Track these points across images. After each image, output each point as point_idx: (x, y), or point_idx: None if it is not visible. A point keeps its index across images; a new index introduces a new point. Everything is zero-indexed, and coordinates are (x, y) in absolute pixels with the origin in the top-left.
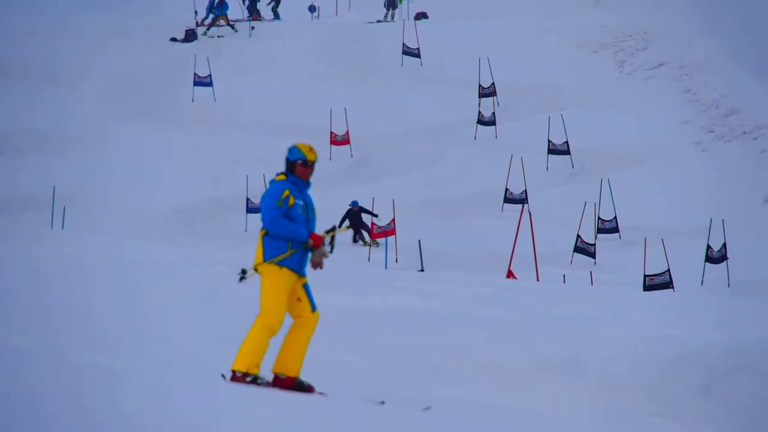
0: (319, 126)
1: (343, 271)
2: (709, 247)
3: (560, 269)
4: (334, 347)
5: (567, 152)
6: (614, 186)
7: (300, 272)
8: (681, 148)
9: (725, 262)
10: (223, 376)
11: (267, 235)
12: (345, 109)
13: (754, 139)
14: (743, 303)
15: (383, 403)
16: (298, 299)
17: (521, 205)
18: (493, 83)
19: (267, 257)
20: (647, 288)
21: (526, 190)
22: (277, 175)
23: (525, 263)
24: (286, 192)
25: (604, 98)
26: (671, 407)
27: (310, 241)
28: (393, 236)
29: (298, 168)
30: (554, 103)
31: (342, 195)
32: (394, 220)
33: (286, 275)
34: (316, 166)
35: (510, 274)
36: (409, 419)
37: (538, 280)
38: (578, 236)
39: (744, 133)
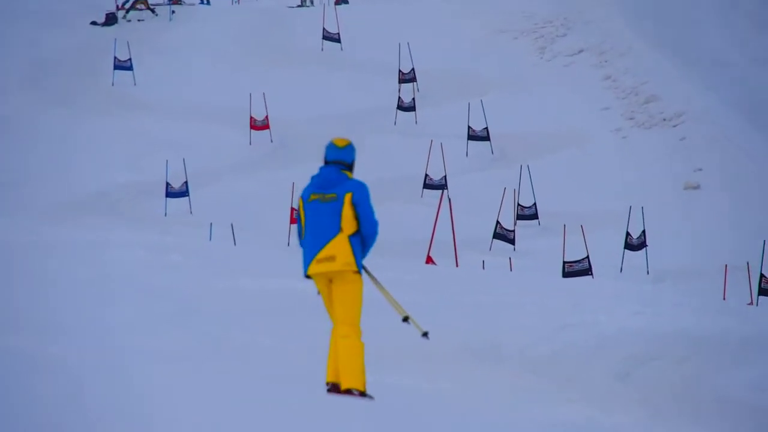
0: (238, 110)
1: (264, 255)
2: (628, 234)
3: (479, 255)
4: (254, 330)
5: (487, 138)
6: (534, 172)
7: None
8: (601, 134)
9: (644, 249)
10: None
11: (353, 237)
12: (264, 94)
13: (674, 126)
14: (662, 290)
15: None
16: None
17: (441, 191)
18: (413, 69)
19: (359, 264)
20: (566, 274)
21: (445, 176)
22: (344, 169)
23: (444, 249)
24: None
25: (524, 84)
26: (589, 393)
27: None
28: None
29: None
30: (474, 89)
31: (261, 180)
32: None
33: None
34: (236, 151)
35: (429, 260)
36: (325, 403)
37: (457, 266)
38: (498, 222)
39: (664, 120)
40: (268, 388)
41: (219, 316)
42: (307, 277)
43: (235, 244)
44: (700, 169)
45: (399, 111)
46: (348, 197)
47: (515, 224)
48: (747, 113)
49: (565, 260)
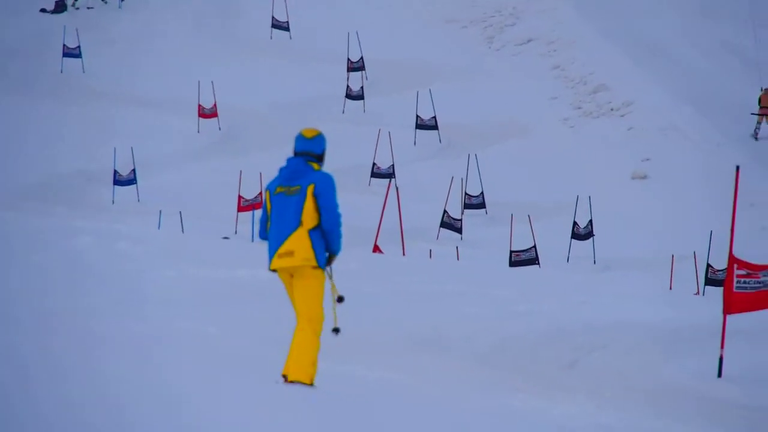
0: (186, 98)
1: (208, 244)
2: (575, 223)
3: (427, 244)
4: (201, 318)
5: (435, 127)
6: (481, 162)
7: None
8: (548, 124)
9: (591, 238)
10: (276, 382)
11: (314, 231)
12: (212, 82)
13: (622, 116)
14: (609, 279)
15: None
16: None
17: (388, 179)
18: (361, 57)
19: (320, 259)
20: (513, 264)
21: (393, 165)
22: (311, 160)
23: (391, 238)
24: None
25: (472, 74)
26: (536, 382)
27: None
28: (260, 209)
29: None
30: (423, 78)
31: (209, 168)
32: (261, 193)
33: (324, 279)
34: (185, 139)
35: (376, 249)
36: (271, 392)
37: (404, 255)
38: (445, 211)
39: (612, 110)
40: (212, 375)
41: (165, 304)
42: (272, 270)
43: (183, 232)
44: (648, 159)
45: (347, 100)
46: (310, 189)
47: (462, 213)
48: (695, 103)
49: (512, 249)
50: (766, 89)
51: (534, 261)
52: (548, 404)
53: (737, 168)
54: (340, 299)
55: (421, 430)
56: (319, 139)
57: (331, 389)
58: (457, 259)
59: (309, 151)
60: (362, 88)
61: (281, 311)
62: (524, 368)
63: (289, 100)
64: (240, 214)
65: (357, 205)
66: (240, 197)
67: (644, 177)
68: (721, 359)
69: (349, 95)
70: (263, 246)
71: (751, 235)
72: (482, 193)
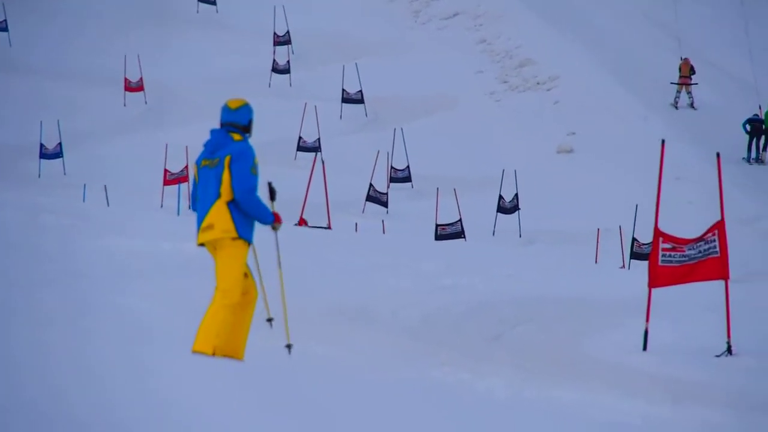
0: (113, 72)
1: (136, 216)
2: (501, 197)
3: (352, 218)
4: (125, 291)
5: (361, 101)
6: (407, 135)
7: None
8: (475, 98)
9: (517, 212)
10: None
11: (234, 202)
12: (138, 56)
13: (548, 90)
14: (534, 253)
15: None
16: (245, 275)
17: (314, 153)
18: (288, 31)
19: (241, 230)
20: (439, 237)
21: (319, 139)
22: (234, 131)
23: (317, 211)
24: (256, 159)
25: (398, 48)
26: (461, 356)
27: (277, 225)
28: (186, 183)
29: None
30: (349, 52)
31: (135, 142)
32: (187, 167)
33: (246, 250)
34: (111, 113)
35: (302, 222)
36: (196, 365)
37: (330, 228)
38: (371, 185)
39: (537, 83)
40: (138, 350)
41: (91, 277)
42: (200, 246)
43: (108, 205)
44: (574, 133)
45: (273, 73)
46: (227, 160)
47: (388, 187)
48: (620, 77)
49: (437, 223)
50: (685, 59)
51: (460, 235)
52: (473, 377)
53: (662, 141)
54: (270, 320)
55: (346, 402)
56: (244, 109)
57: (257, 362)
58: (383, 232)
59: (233, 122)
60: (288, 62)
61: (205, 284)
62: (450, 341)
63: (215, 74)
64: (166, 187)
65: (282, 179)
66: (166, 171)
67: (570, 151)
68: (646, 332)
69: (276, 69)
70: (189, 219)
71: (677, 209)
72: (408, 166)
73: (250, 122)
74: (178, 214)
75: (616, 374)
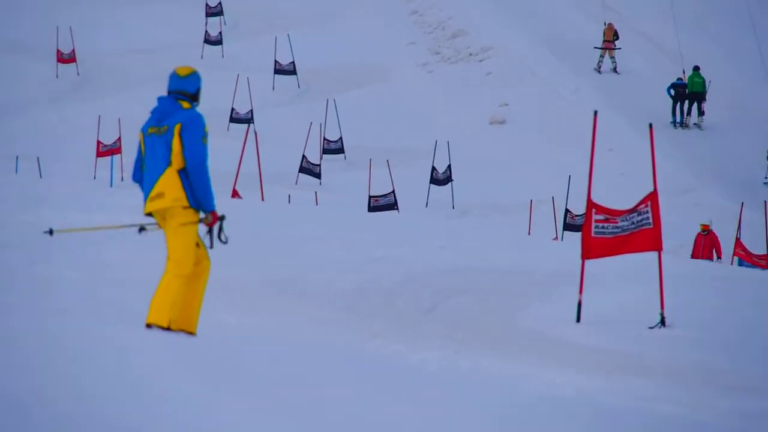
0: (45, 43)
1: (69, 188)
2: (434, 168)
3: (285, 189)
4: (56, 263)
5: (293, 72)
6: (340, 107)
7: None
8: (407, 69)
9: (450, 183)
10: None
11: (183, 172)
12: (70, 27)
13: (480, 61)
14: (467, 224)
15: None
16: (197, 244)
17: (247, 124)
18: (220, 2)
19: (191, 199)
20: (372, 209)
21: (252, 110)
22: (182, 99)
23: (250, 183)
24: (207, 128)
25: (330, 19)
26: (395, 327)
27: (208, 218)
28: (119, 155)
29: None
30: (281, 23)
31: (68, 113)
32: (120, 139)
33: (197, 219)
34: (43, 85)
35: (235, 194)
36: (132, 336)
37: (263, 200)
38: (303, 156)
39: (470, 54)
40: (71, 322)
41: (24, 249)
42: (147, 215)
43: (41, 176)
44: (506, 104)
45: (206, 45)
46: (177, 128)
47: (321, 158)
48: (552, 48)
49: (370, 195)
50: (609, 24)
51: (393, 206)
52: (406, 348)
53: (595, 113)
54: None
55: (277, 373)
56: (192, 77)
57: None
58: (316, 204)
59: (181, 90)
60: (221, 33)
61: (139, 254)
62: (383, 312)
63: (147, 45)
64: (99, 159)
65: (215, 150)
66: (99, 142)
67: (502, 122)
68: (579, 304)
69: (208, 40)
70: (122, 191)
71: (610, 181)
72: (341, 138)
73: (198, 90)
74: (111, 185)
75: (549, 346)
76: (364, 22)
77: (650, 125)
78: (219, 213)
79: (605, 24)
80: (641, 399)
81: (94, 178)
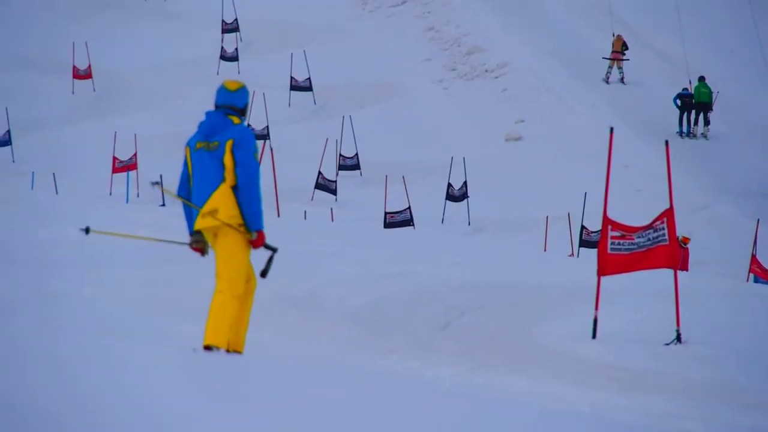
0: (62, 60)
1: (83, 206)
2: (449, 185)
3: (301, 205)
4: (69, 280)
5: (309, 89)
6: (356, 123)
7: None
8: (423, 86)
9: (466, 200)
10: (194, 349)
11: (235, 189)
12: (87, 43)
13: (496, 77)
14: (483, 241)
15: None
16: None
17: (263, 141)
18: (236, 18)
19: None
20: (388, 225)
21: (268, 126)
22: (231, 114)
23: (266, 199)
24: (257, 144)
25: (347, 35)
26: (409, 344)
27: (255, 235)
28: (134, 171)
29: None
30: (297, 39)
31: (84, 129)
32: (135, 155)
33: (247, 238)
34: (60, 101)
35: None
36: (141, 355)
37: (278, 216)
38: (319, 173)
39: (486, 71)
40: (84, 339)
41: (40, 266)
42: (196, 233)
43: (57, 192)
44: (522, 121)
45: (222, 61)
46: (229, 144)
47: (337, 175)
48: (568, 64)
49: (386, 211)
50: (618, 35)
51: (408, 222)
52: (420, 365)
53: (611, 129)
54: (263, 274)
55: (294, 389)
56: (242, 92)
57: (203, 350)
58: (332, 220)
59: (231, 104)
60: (236, 49)
61: (158, 274)
62: (397, 329)
63: (163, 61)
64: (115, 175)
65: None
66: (114, 158)
67: (518, 138)
68: (595, 321)
69: (224, 56)
70: (138, 206)
71: (626, 197)
72: (357, 154)
73: (246, 105)
74: (127, 201)
75: (565, 362)
76: (380, 39)
77: (666, 142)
78: (267, 241)
79: (614, 35)
80: (657, 416)
81: (110, 194)
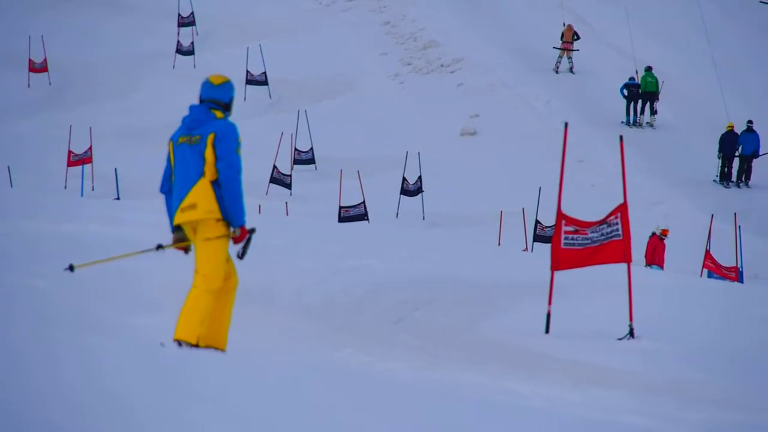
0: (17, 52)
1: (37, 199)
2: (404, 179)
3: (256, 200)
4: (26, 273)
5: (265, 83)
6: (311, 117)
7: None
8: (379, 80)
9: (420, 194)
10: (162, 344)
11: (216, 183)
12: (42, 36)
13: (452, 72)
14: (437, 235)
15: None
16: (226, 259)
17: None
18: (192, 12)
19: (225, 213)
20: (342, 219)
21: None
22: (215, 108)
23: None
24: (240, 138)
25: (302, 29)
26: (363, 338)
27: (237, 231)
28: (89, 164)
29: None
30: (253, 33)
31: (39, 122)
32: (90, 147)
33: (229, 233)
34: (15, 94)
35: None
36: (95, 348)
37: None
38: (274, 167)
39: (441, 66)
40: (37, 331)
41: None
42: (176, 227)
43: (11, 186)
44: (477, 116)
45: (178, 55)
46: (210, 138)
47: (292, 169)
48: (523, 59)
49: (341, 205)
50: (568, 25)
51: (363, 217)
52: (374, 359)
53: (565, 124)
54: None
55: (246, 383)
56: (226, 86)
57: (156, 344)
58: (287, 214)
59: (215, 99)
60: (192, 43)
61: (113, 265)
62: (351, 323)
63: (119, 55)
64: (70, 168)
65: None
66: (70, 152)
67: (473, 133)
68: (548, 315)
69: (180, 50)
70: (93, 200)
71: (580, 192)
72: (312, 148)
73: (231, 100)
74: (82, 195)
75: (518, 357)
76: (336, 33)
77: (621, 137)
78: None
79: (564, 25)
80: (610, 410)
81: (65, 187)
